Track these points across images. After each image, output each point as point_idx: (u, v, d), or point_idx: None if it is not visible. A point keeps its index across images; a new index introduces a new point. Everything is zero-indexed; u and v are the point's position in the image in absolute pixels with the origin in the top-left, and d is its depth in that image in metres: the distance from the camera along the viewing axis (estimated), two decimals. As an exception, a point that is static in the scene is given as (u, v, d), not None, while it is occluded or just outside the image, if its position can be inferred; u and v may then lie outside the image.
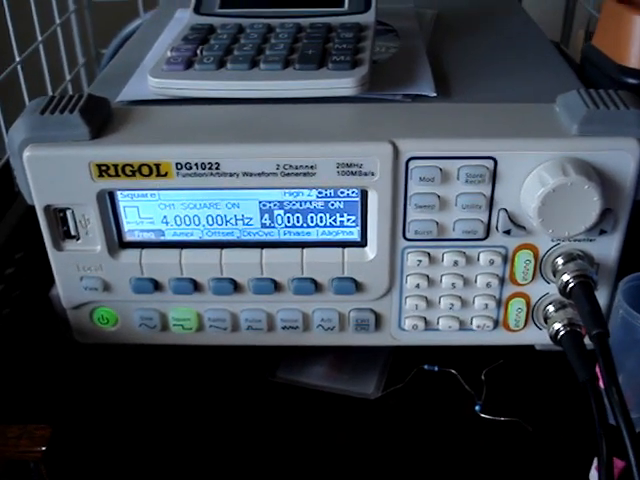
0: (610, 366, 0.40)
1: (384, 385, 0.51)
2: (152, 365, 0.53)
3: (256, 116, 0.46)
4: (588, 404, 0.39)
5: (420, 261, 0.47)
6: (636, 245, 0.47)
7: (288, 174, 0.43)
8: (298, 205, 0.46)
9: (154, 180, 0.44)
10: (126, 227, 0.47)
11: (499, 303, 0.48)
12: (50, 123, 0.43)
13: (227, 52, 0.49)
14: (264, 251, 0.47)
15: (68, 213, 0.46)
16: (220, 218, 0.46)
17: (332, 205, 0.46)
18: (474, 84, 0.51)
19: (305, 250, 0.47)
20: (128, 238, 0.47)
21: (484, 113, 0.46)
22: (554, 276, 0.46)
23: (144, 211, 0.46)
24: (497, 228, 0.45)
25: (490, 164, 0.43)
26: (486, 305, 0.48)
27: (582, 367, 0.41)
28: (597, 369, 0.41)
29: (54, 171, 0.44)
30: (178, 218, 0.47)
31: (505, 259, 0.46)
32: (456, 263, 0.47)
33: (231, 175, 0.44)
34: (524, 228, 0.45)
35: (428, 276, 0.48)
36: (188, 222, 0.47)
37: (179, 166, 0.43)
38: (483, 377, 0.52)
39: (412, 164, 0.43)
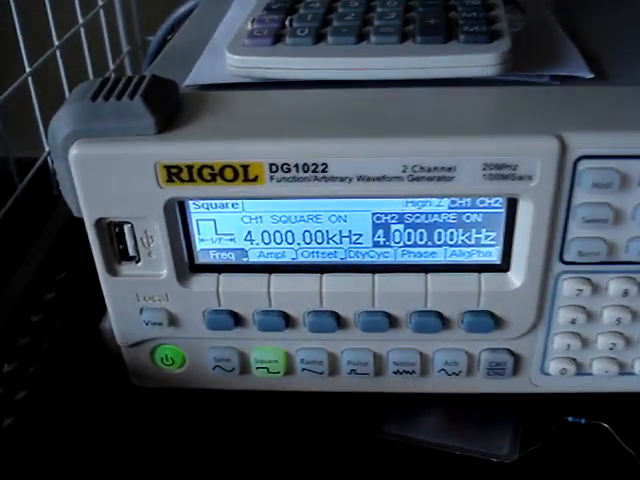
0: None
1: (520, 443, 0.40)
2: (225, 414, 0.43)
3: (370, 103, 0.36)
4: None
5: (580, 290, 0.36)
6: None
7: (417, 178, 0.33)
8: (423, 218, 0.36)
9: (239, 186, 0.34)
10: (199, 246, 0.37)
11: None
12: (104, 112, 0.33)
13: (324, 23, 0.39)
14: (377, 277, 0.37)
15: (126, 228, 0.36)
16: (320, 235, 0.36)
17: (467, 218, 0.36)
18: (628, 64, 0.40)
19: (430, 276, 0.37)
20: (202, 260, 0.38)
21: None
22: None
23: (223, 226, 0.37)
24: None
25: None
26: (657, 345, 0.38)
27: None
28: None
29: (109, 174, 0.34)
30: (266, 235, 0.37)
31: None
32: (626, 293, 0.36)
33: (342, 180, 0.33)
34: None
35: (585, 308, 0.37)
36: (279, 240, 0.37)
37: (274, 168, 0.33)
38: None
39: (582, 165, 0.33)
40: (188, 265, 0.37)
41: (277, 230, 0.36)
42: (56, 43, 0.57)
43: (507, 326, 0.37)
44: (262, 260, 0.37)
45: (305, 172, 0.33)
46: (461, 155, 0.32)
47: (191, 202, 0.36)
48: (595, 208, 0.34)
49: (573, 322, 0.37)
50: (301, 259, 0.37)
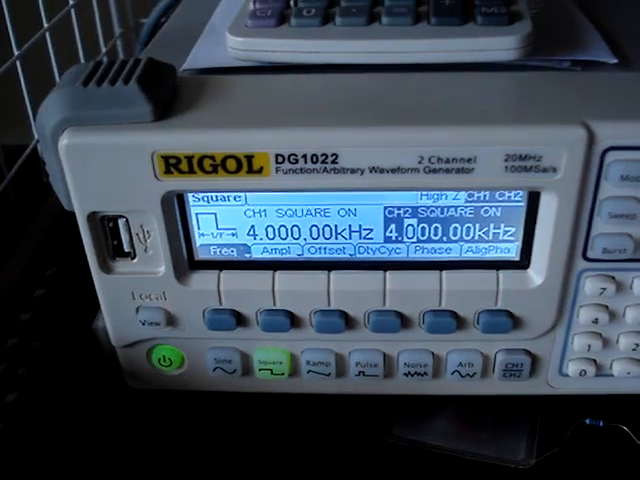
0: None
1: (537, 447, 0.39)
2: (226, 418, 0.41)
3: (383, 89, 0.34)
4: None
5: (604, 289, 0.34)
6: None
7: (434, 170, 0.31)
8: (438, 212, 0.34)
9: (243, 178, 0.32)
10: (199, 241, 0.35)
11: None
12: (96, 98, 0.31)
13: (331, 3, 0.37)
14: (388, 274, 0.35)
15: (121, 223, 0.34)
16: (329, 230, 0.34)
17: (485, 212, 0.34)
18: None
19: (444, 273, 0.35)
20: (202, 256, 0.35)
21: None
22: None
23: (224, 220, 0.34)
24: None
25: None
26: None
27: None
28: None
29: (102, 165, 0.32)
30: (271, 229, 0.35)
31: None
32: (651, 291, 0.34)
33: (353, 172, 0.31)
34: None
35: (608, 307, 0.35)
36: (284, 235, 0.35)
37: (280, 159, 0.31)
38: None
39: (610, 156, 0.31)
40: (187, 262, 0.35)
41: (282, 224, 0.34)
42: (46, 25, 0.54)
43: (525, 326, 0.35)
44: (266, 256, 0.35)
45: (314, 163, 0.31)
46: (482, 145, 0.30)
47: (190, 195, 0.34)
48: (622, 203, 0.32)
49: (595, 322, 0.35)
50: (308, 255, 0.35)
